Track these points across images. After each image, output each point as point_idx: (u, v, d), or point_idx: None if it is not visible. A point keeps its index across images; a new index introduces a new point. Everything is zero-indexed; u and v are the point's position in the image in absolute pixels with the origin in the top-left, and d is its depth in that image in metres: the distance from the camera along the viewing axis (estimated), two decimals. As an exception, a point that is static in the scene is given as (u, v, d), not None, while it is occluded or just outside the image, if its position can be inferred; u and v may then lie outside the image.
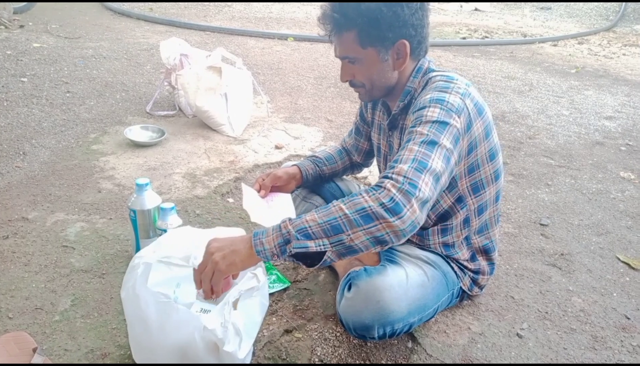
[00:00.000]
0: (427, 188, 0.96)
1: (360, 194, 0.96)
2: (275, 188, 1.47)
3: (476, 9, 8.36)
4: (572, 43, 6.01)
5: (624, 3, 8.31)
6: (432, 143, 1.02)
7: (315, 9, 7.09)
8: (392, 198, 0.92)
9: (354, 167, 1.66)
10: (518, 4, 9.29)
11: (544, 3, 9.15)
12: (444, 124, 1.06)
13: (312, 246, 0.94)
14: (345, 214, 0.93)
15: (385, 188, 0.94)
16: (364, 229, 0.93)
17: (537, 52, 5.34)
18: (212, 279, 0.98)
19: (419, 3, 1.14)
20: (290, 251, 0.95)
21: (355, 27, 1.13)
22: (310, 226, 0.95)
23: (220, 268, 0.97)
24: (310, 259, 0.98)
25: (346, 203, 0.95)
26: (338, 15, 1.14)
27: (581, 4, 9.12)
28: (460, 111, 1.10)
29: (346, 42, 1.17)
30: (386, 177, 0.97)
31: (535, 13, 8.45)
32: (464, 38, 5.83)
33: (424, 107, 1.11)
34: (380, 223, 0.92)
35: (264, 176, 1.47)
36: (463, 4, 8.45)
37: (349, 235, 0.93)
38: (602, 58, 5.26)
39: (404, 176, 0.95)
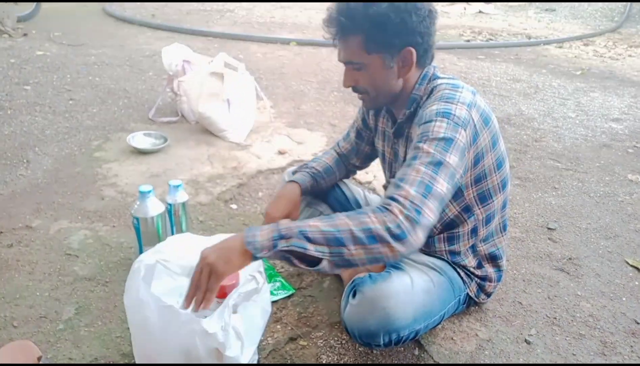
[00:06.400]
0: (431, 213, 0.98)
1: (367, 213, 0.96)
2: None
3: (480, 11, 8.35)
4: (577, 45, 5.98)
5: (629, 4, 8.27)
6: (439, 164, 1.03)
7: (318, 13, 7.14)
8: (398, 224, 0.93)
9: (349, 172, 1.62)
10: (522, 4, 9.28)
11: (548, 5, 9.13)
12: (450, 140, 1.06)
13: (312, 249, 0.95)
14: (350, 230, 0.94)
15: (392, 213, 0.95)
16: (366, 248, 0.94)
17: (542, 54, 5.32)
18: (208, 284, 0.96)
19: (427, 10, 1.12)
20: (284, 247, 0.95)
21: (362, 32, 1.11)
22: (312, 231, 0.95)
23: (217, 269, 0.95)
24: (301, 261, 0.98)
25: (352, 218, 0.96)
26: (344, 19, 1.11)
27: (586, 5, 9.09)
28: (466, 123, 1.10)
29: (351, 47, 1.15)
30: (393, 199, 0.98)
31: (539, 15, 8.43)
32: (468, 41, 5.82)
33: (430, 121, 1.09)
34: (383, 246, 0.94)
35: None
36: (466, 6, 8.44)
37: (350, 250, 0.94)
38: (607, 59, 5.23)
39: (411, 201, 0.96)
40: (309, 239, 0.95)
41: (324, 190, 1.55)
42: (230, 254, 0.97)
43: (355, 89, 1.24)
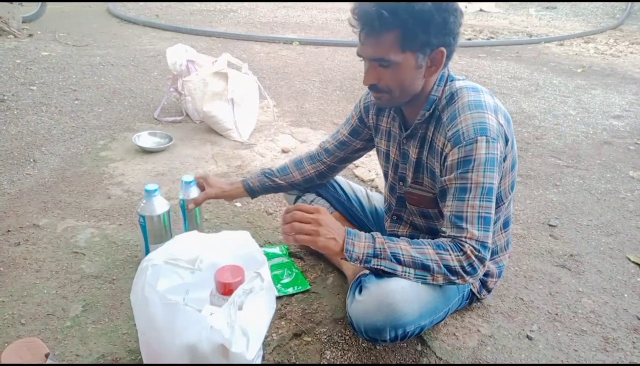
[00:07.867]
0: (490, 239, 1.13)
1: (447, 250, 1.11)
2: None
3: (481, 10, 8.34)
4: (578, 42, 5.98)
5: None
6: (490, 191, 1.12)
7: (320, 12, 7.14)
8: (471, 263, 1.10)
9: (332, 169, 1.57)
10: (523, 3, 9.26)
11: (549, 2, 9.11)
12: (492, 160, 1.12)
13: (399, 270, 1.11)
14: (436, 260, 1.11)
15: (465, 254, 1.10)
16: (444, 277, 1.12)
17: (543, 52, 5.32)
18: (300, 237, 1.11)
19: (460, 12, 1.11)
20: (375, 265, 1.11)
21: (401, 28, 1.06)
22: (403, 254, 1.11)
23: (316, 241, 1.10)
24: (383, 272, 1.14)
25: (437, 251, 1.11)
26: (387, 13, 1.05)
27: (587, 2, 9.07)
28: (500, 134, 1.13)
29: (384, 44, 1.09)
30: (461, 240, 1.11)
31: (540, 13, 8.42)
32: (469, 39, 5.82)
33: (470, 144, 1.10)
34: (458, 278, 1.12)
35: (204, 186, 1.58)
36: (467, 4, 8.44)
37: (433, 275, 1.12)
38: (609, 57, 5.23)
39: (477, 240, 1.11)
40: (399, 262, 1.11)
41: (285, 185, 1.59)
42: (331, 245, 1.11)
43: (374, 87, 1.18)
